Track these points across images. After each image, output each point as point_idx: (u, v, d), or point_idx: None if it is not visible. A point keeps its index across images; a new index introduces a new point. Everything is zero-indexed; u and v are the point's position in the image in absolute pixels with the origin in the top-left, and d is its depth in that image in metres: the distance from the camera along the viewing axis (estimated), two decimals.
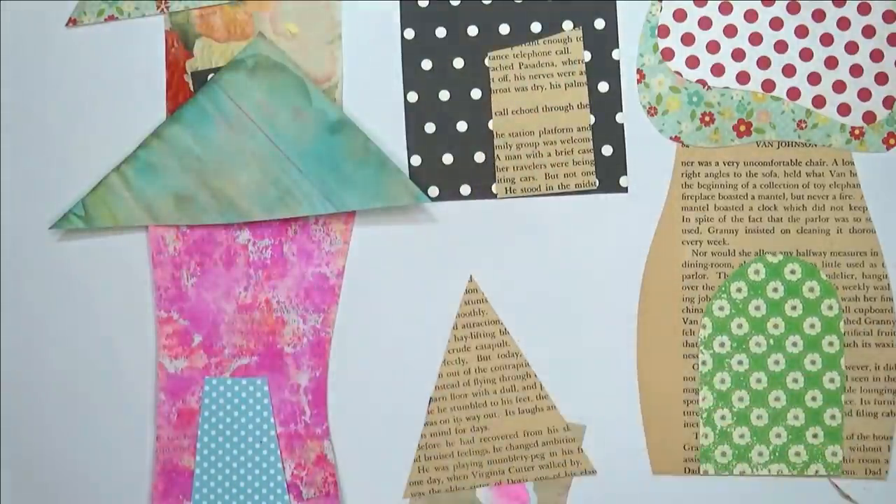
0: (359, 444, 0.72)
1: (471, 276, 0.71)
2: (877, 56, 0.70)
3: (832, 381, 0.70)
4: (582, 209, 0.71)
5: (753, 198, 0.71)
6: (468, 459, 0.71)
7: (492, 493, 0.71)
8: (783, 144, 0.71)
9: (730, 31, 0.71)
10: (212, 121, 0.71)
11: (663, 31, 0.71)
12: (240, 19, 0.72)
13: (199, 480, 0.72)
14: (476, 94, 0.72)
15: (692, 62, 0.71)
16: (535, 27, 0.72)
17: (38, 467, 0.73)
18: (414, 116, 0.72)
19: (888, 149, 0.70)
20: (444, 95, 0.72)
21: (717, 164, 0.71)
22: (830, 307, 0.70)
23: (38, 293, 0.72)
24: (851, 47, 0.70)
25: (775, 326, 0.71)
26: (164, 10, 0.72)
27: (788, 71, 0.71)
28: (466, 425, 0.71)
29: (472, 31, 0.72)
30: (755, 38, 0.71)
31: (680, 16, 0.71)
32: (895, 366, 0.70)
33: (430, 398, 0.71)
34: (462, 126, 0.72)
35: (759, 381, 0.71)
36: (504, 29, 0.72)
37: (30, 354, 0.72)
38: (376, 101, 0.72)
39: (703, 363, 0.71)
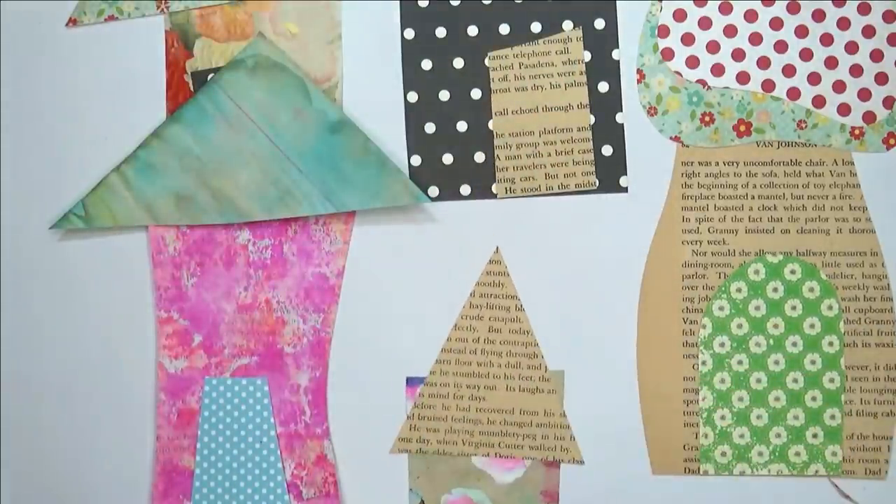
0: (359, 444, 0.72)
1: (497, 248, 0.71)
2: (877, 56, 0.70)
3: (832, 381, 0.70)
4: (582, 209, 0.71)
5: (753, 198, 0.71)
6: (460, 426, 0.71)
7: (489, 459, 0.71)
8: (783, 144, 0.71)
9: (730, 31, 0.71)
10: (212, 121, 0.71)
11: (663, 31, 0.71)
12: (240, 19, 0.72)
13: (199, 480, 0.72)
14: (476, 94, 0.72)
15: (692, 62, 0.71)
16: (535, 27, 0.71)
17: (38, 467, 0.73)
18: (414, 116, 0.72)
19: (888, 149, 0.70)
20: (444, 95, 0.72)
21: (717, 164, 0.71)
22: (830, 307, 0.70)
23: (38, 293, 0.72)
24: (851, 47, 0.70)
25: (775, 326, 0.71)
26: (164, 10, 0.72)
27: (788, 71, 0.71)
28: (465, 392, 0.71)
29: (472, 31, 0.72)
30: (755, 38, 0.71)
31: (680, 16, 0.71)
32: (895, 366, 0.70)
33: (436, 360, 0.71)
34: (462, 126, 0.72)
35: (759, 381, 0.71)
36: (504, 29, 0.72)
37: (30, 354, 0.72)
38: (376, 101, 0.72)
39: (703, 363, 0.71)
